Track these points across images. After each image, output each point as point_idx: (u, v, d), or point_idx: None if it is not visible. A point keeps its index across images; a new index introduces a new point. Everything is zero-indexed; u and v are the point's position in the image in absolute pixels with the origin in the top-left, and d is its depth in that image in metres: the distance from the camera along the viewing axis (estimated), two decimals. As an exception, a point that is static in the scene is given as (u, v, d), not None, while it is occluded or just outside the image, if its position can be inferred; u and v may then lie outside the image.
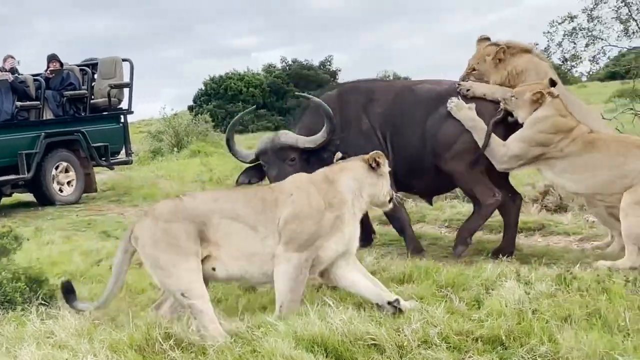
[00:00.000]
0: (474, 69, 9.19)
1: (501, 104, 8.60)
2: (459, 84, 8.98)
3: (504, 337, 5.50)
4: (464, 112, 8.69)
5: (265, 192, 6.41)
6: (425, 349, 5.36)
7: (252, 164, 8.92)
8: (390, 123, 9.12)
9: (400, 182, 8.81)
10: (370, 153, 6.55)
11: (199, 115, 36.93)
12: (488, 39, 9.41)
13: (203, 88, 50.94)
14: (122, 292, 7.03)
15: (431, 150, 8.89)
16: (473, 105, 8.71)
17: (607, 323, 5.67)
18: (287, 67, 52.91)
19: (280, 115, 47.88)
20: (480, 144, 8.54)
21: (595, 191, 8.38)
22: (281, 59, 54.08)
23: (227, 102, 48.00)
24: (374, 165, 6.48)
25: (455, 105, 8.70)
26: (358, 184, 6.44)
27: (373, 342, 5.44)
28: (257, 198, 6.27)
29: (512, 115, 8.59)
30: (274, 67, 53.42)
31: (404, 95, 9.29)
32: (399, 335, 5.51)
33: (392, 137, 9.08)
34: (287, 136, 8.69)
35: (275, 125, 45.63)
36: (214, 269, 6.11)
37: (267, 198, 6.25)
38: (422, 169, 9.05)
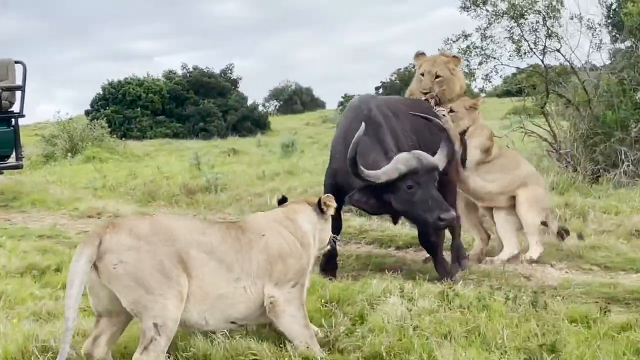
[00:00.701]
0: (438, 76, 9.56)
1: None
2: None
3: (384, 354, 5.54)
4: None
5: (237, 231, 5.86)
6: (307, 365, 5.39)
7: (369, 185, 7.78)
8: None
9: None
10: (321, 197, 6.36)
11: (96, 120, 36.25)
12: (424, 54, 9.93)
13: (101, 92, 50.13)
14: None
15: None
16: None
17: (486, 340, 5.77)
18: (188, 74, 52.53)
19: (179, 122, 47.51)
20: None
21: (502, 190, 9.57)
22: (182, 66, 53.78)
23: (125, 107, 47.38)
24: (324, 208, 6.27)
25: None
26: (312, 227, 6.21)
27: (254, 357, 5.43)
28: (232, 236, 5.75)
29: None
30: (174, 73, 52.98)
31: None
32: (280, 350, 5.51)
33: None
34: (434, 157, 7.94)
35: (174, 132, 45.27)
36: None
37: (241, 238, 5.80)
38: None
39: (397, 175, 7.66)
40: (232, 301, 5.62)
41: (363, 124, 7.58)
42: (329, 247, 6.57)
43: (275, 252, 5.82)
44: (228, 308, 5.62)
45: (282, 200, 6.49)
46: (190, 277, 5.39)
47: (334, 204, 6.29)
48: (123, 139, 37.89)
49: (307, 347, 5.62)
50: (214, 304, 5.54)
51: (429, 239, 8.70)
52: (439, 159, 7.90)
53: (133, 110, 46.53)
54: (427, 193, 7.69)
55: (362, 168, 7.57)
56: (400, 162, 7.68)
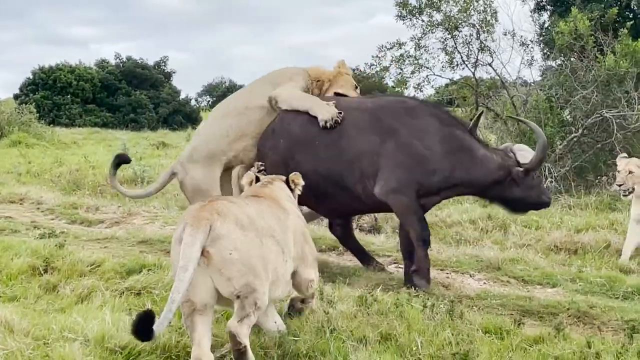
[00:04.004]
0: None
1: None
2: None
3: (301, 355, 5.58)
4: None
5: (278, 211, 5.98)
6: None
7: None
8: None
9: None
10: (290, 175, 6.58)
11: (24, 104, 35.55)
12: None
13: (31, 77, 49.19)
14: None
15: None
16: None
17: (401, 347, 5.84)
18: (121, 64, 51.90)
19: (109, 111, 46.93)
20: None
21: None
22: (115, 55, 53.06)
23: (55, 93, 46.56)
24: (292, 186, 6.50)
25: None
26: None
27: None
28: (276, 218, 5.86)
29: None
30: (107, 62, 52.30)
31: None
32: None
33: None
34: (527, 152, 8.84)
35: (104, 122, 44.70)
36: None
37: (281, 217, 5.92)
38: None
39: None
40: (280, 282, 5.76)
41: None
42: None
43: (305, 231, 6.16)
44: (277, 289, 5.75)
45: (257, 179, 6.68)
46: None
47: (299, 181, 6.56)
48: (51, 125, 37.24)
49: None
50: (272, 285, 5.60)
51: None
52: None
53: (63, 97, 45.72)
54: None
55: None
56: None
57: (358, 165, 8.49)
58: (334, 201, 8.79)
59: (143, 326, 4.89)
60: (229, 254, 5.16)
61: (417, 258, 8.43)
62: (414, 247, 8.48)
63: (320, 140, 8.63)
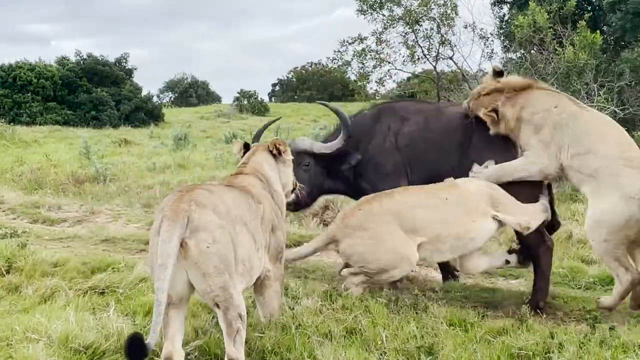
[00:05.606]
0: None
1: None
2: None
3: (266, 351, 5.58)
4: (487, 172, 7.94)
5: (250, 199, 5.83)
6: (187, 361, 5.39)
7: None
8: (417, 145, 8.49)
9: None
10: (270, 140, 6.54)
11: (-17, 103, 35.10)
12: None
13: (-10, 76, 48.61)
14: None
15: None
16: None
17: (366, 341, 5.86)
18: (82, 61, 51.42)
19: (70, 109, 46.49)
20: (512, 177, 7.88)
21: None
22: (76, 53, 52.53)
23: (15, 91, 46.03)
24: (275, 152, 6.43)
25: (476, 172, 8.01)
26: (276, 174, 6.44)
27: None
28: (248, 205, 5.72)
29: None
30: (68, 59, 51.78)
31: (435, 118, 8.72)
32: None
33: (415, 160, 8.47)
34: (303, 142, 8.44)
35: (65, 120, 44.30)
36: None
37: (252, 205, 5.79)
38: None
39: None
40: (254, 273, 5.68)
41: None
42: (293, 196, 6.89)
43: (275, 222, 6.06)
44: (250, 280, 5.65)
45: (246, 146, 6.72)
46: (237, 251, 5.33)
47: (284, 147, 6.53)
48: (12, 124, 36.85)
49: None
50: (247, 278, 5.53)
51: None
52: (326, 146, 8.28)
53: (23, 95, 45.19)
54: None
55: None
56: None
57: None
58: None
59: (136, 349, 4.69)
60: (206, 247, 5.01)
61: None
62: None
63: None
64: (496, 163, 7.78)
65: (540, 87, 8.05)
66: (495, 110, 7.77)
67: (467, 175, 7.75)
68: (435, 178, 7.87)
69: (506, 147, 7.90)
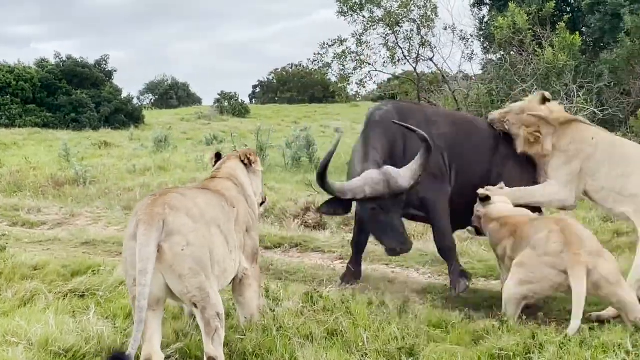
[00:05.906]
0: None
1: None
2: None
3: (247, 354, 5.58)
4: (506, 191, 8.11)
5: (223, 201, 5.84)
6: (168, 364, 5.37)
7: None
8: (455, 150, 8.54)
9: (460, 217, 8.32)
10: (241, 150, 6.59)
11: (-38, 106, 34.91)
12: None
13: (-32, 78, 48.33)
14: None
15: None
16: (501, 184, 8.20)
17: (347, 342, 5.86)
18: (61, 63, 51.19)
19: (50, 111, 46.26)
20: (531, 201, 8.17)
21: None
22: (55, 55, 52.29)
23: (-6, 94, 45.82)
24: (246, 162, 6.47)
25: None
26: (249, 181, 6.49)
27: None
28: (221, 207, 5.73)
29: None
30: (47, 61, 51.54)
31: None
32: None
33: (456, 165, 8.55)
34: (403, 179, 7.63)
35: (44, 122, 44.09)
36: None
37: (225, 207, 5.79)
38: None
39: (362, 197, 7.61)
40: (228, 274, 5.68)
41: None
42: (262, 209, 6.94)
43: (249, 224, 6.11)
44: (225, 282, 5.66)
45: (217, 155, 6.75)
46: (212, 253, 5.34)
47: (255, 158, 6.58)
48: (-10, 126, 36.71)
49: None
50: (222, 279, 5.54)
51: (443, 247, 8.49)
52: (407, 177, 7.67)
53: (2, 97, 44.91)
54: (388, 219, 7.67)
55: (330, 182, 7.58)
56: (368, 183, 7.60)
57: None
58: None
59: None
60: (181, 250, 5.02)
61: None
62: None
63: None
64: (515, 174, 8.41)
65: (583, 122, 8.48)
66: (539, 133, 8.17)
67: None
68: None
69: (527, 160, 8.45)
